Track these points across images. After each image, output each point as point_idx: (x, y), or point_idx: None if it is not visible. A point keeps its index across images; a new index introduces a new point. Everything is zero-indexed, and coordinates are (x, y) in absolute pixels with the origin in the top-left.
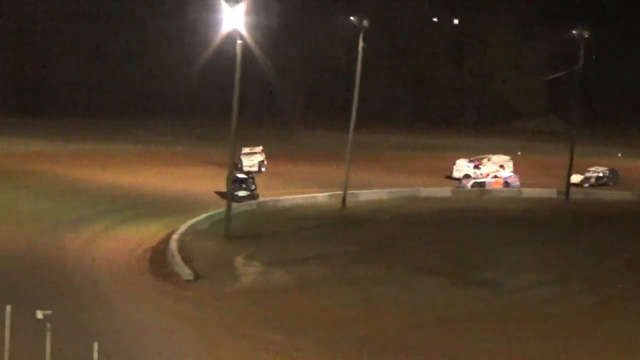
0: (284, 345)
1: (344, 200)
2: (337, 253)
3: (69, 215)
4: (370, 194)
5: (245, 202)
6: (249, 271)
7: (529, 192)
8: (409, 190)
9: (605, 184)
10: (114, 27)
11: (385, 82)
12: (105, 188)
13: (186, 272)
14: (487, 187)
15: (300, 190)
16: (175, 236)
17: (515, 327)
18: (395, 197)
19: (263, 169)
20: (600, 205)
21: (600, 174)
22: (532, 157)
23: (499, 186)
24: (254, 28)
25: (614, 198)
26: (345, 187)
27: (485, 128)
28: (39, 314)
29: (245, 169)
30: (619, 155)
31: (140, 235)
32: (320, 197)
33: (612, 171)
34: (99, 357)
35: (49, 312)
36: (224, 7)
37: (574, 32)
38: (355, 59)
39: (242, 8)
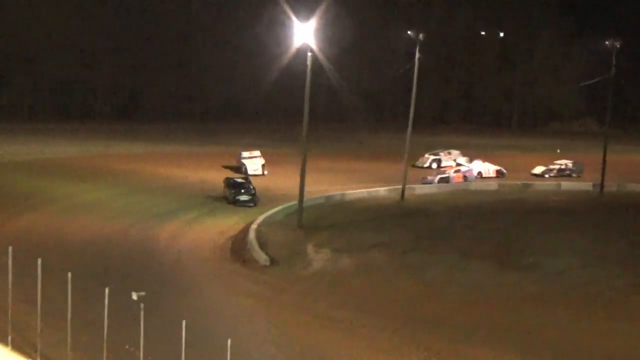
0: (349, 322)
1: (402, 193)
2: (396, 240)
3: (160, 209)
4: (425, 188)
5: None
6: (319, 257)
7: (568, 185)
8: (460, 184)
9: (568, 175)
10: (198, 43)
11: (439, 88)
12: (192, 184)
13: (263, 258)
14: (451, 181)
15: (363, 185)
16: (254, 226)
17: (555, 307)
18: (447, 191)
19: (265, 172)
20: (633, 196)
21: (563, 166)
22: (570, 155)
23: (460, 180)
24: (322, 42)
25: None
26: (403, 182)
27: (528, 129)
28: (134, 296)
29: (250, 172)
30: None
31: (222, 226)
32: (382, 191)
33: (576, 164)
34: (186, 334)
35: (143, 293)
36: (296, 23)
37: (607, 42)
38: (412, 68)
39: (312, 25)
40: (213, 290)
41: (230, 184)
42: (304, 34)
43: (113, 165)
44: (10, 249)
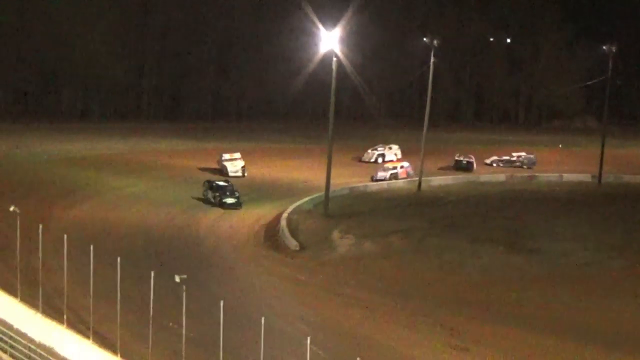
0: (371, 302)
1: (419, 185)
2: (414, 227)
3: (201, 200)
4: (440, 179)
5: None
6: (343, 243)
7: (569, 177)
8: (471, 177)
9: (519, 166)
10: (236, 50)
11: (452, 89)
12: (229, 177)
13: (293, 244)
14: (400, 177)
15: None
16: (285, 215)
17: (558, 286)
18: (460, 182)
19: (246, 174)
20: (628, 187)
21: (514, 158)
22: (571, 149)
23: (405, 175)
24: (346, 48)
25: None
26: (420, 174)
27: (533, 126)
28: (177, 278)
29: (231, 174)
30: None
31: (256, 215)
32: (401, 182)
33: (528, 157)
34: (223, 313)
35: (185, 276)
36: (322, 31)
37: (604, 47)
38: (427, 71)
39: (337, 33)
40: (248, 273)
41: (212, 186)
42: (329, 41)
43: (158, 160)
44: (65, 236)
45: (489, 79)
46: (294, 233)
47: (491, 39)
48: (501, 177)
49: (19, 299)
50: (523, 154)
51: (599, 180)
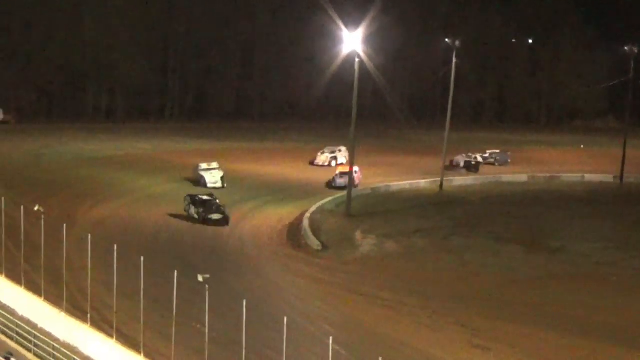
0: (393, 301)
1: (441, 185)
2: (436, 227)
3: (223, 200)
4: (462, 179)
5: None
6: (366, 242)
7: (590, 177)
8: (493, 177)
9: (492, 164)
10: (259, 51)
11: (474, 90)
12: (252, 177)
13: (316, 243)
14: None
15: (405, 177)
16: (307, 215)
17: (578, 285)
18: (482, 182)
19: (225, 185)
20: None
21: (487, 155)
22: (592, 149)
23: (359, 180)
24: (369, 48)
25: None
26: (442, 174)
27: (554, 126)
28: (200, 278)
29: (210, 185)
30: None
31: (279, 214)
32: (423, 182)
33: (501, 154)
34: (246, 312)
35: (208, 276)
36: (345, 32)
37: (626, 48)
38: (450, 72)
39: (359, 34)
40: (271, 272)
41: (195, 201)
42: (352, 42)
43: (183, 160)
44: (89, 236)
45: (510, 80)
46: (316, 233)
47: (514, 40)
48: (523, 177)
49: (43, 298)
50: (497, 151)
51: (621, 181)
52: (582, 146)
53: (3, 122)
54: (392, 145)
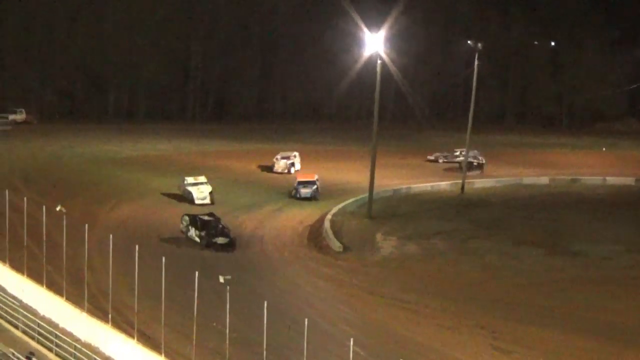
0: (413, 303)
1: (462, 187)
2: (457, 229)
3: (245, 201)
4: (483, 182)
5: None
6: (386, 244)
7: (612, 180)
8: (514, 179)
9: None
10: (280, 52)
11: (496, 92)
12: (273, 178)
13: (337, 245)
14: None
15: (427, 179)
16: (328, 216)
17: (600, 288)
18: (503, 185)
19: (214, 202)
20: None
21: (457, 153)
22: (614, 152)
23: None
24: (391, 50)
25: None
26: (463, 176)
27: (576, 128)
28: (221, 279)
29: (198, 202)
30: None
31: (300, 216)
32: (443, 185)
33: (473, 152)
34: (267, 313)
35: (229, 277)
36: (367, 34)
37: None
38: (471, 74)
39: (381, 35)
40: (292, 274)
41: (196, 222)
42: (374, 43)
43: (203, 161)
44: (110, 236)
45: (532, 82)
46: (337, 234)
47: (535, 43)
48: (544, 179)
49: (64, 299)
50: (462, 150)
51: None
52: (603, 149)
53: (25, 122)
54: (413, 147)
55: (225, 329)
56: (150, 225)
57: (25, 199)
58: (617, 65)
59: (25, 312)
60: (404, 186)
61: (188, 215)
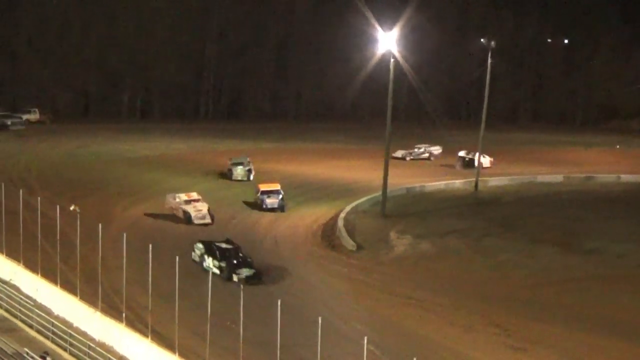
0: (427, 301)
1: (476, 185)
2: (471, 227)
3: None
4: (497, 180)
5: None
6: (400, 243)
7: (627, 177)
8: (528, 177)
9: (427, 159)
10: (291, 49)
11: (510, 90)
12: (287, 177)
13: (350, 244)
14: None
15: (441, 177)
16: (342, 215)
17: (614, 287)
18: (517, 183)
19: (213, 222)
20: None
21: (422, 150)
22: (628, 150)
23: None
24: (404, 48)
25: None
26: (477, 174)
27: (590, 126)
28: (235, 277)
29: (197, 221)
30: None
31: (314, 215)
32: (457, 183)
33: (438, 148)
34: (281, 312)
35: (242, 275)
36: (380, 32)
37: None
38: (485, 72)
39: (394, 34)
40: (306, 272)
41: (213, 251)
42: (387, 42)
43: (218, 160)
44: (124, 235)
45: (546, 79)
46: (351, 233)
47: (549, 40)
48: (559, 177)
49: (78, 298)
50: (433, 146)
51: None
52: (618, 147)
53: (39, 122)
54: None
55: (240, 328)
56: (164, 225)
57: (39, 198)
58: (633, 62)
59: (39, 312)
60: (418, 184)
61: (202, 242)
